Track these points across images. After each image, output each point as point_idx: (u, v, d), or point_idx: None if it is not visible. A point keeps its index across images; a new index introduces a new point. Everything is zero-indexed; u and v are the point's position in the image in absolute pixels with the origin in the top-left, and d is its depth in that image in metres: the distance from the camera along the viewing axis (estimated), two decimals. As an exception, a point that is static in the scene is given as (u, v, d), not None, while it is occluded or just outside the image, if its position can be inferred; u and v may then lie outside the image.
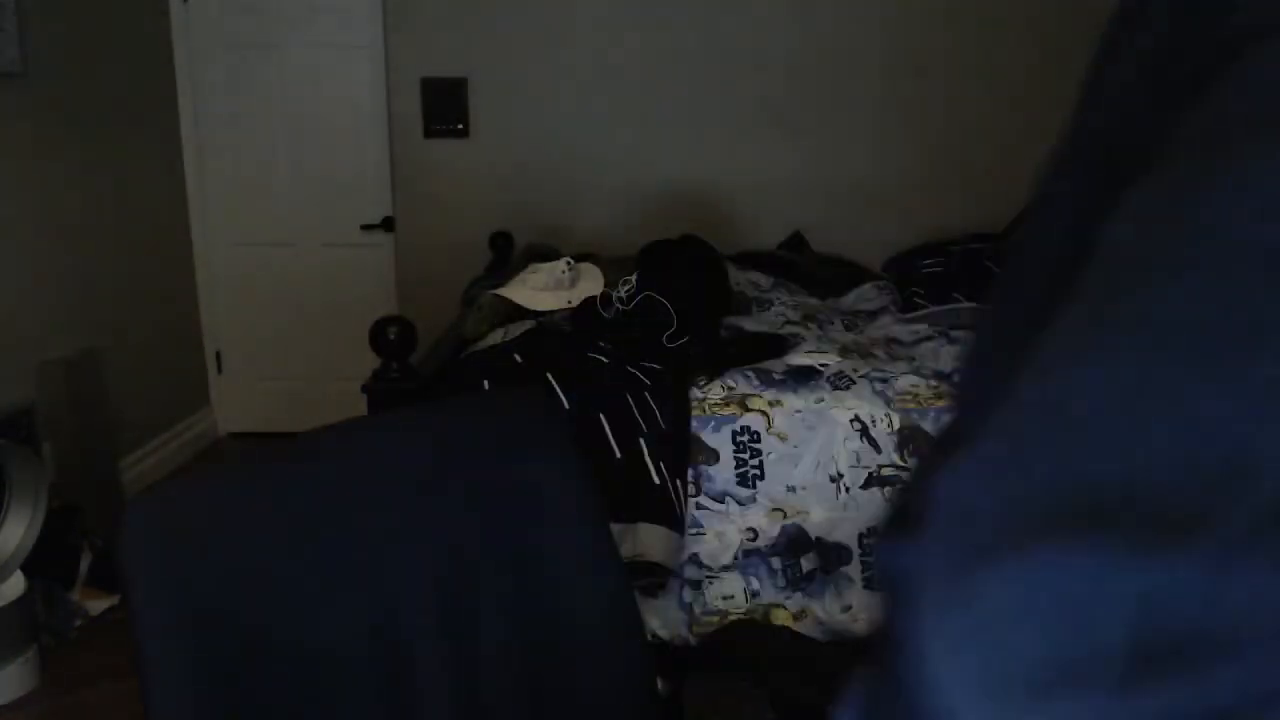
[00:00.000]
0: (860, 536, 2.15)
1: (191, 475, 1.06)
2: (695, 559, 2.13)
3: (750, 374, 2.25)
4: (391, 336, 2.09)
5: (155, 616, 0.86)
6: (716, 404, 2.18)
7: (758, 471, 2.14)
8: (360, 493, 1.02)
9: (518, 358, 2.22)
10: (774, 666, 1.13)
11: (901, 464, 2.16)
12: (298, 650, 0.92)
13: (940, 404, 2.21)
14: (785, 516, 2.14)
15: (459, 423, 1.13)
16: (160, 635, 0.85)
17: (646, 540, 2.02)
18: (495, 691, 1.02)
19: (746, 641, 1.25)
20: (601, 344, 2.29)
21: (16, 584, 2.35)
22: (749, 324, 2.72)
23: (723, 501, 2.14)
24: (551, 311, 2.64)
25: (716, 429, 2.15)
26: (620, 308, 2.50)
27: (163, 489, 0.99)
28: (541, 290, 2.73)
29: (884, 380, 2.26)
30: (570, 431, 1.16)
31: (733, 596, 2.15)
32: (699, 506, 2.14)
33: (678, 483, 2.07)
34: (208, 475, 1.06)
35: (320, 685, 0.93)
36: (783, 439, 2.15)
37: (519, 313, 2.65)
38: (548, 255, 3.21)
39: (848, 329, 2.86)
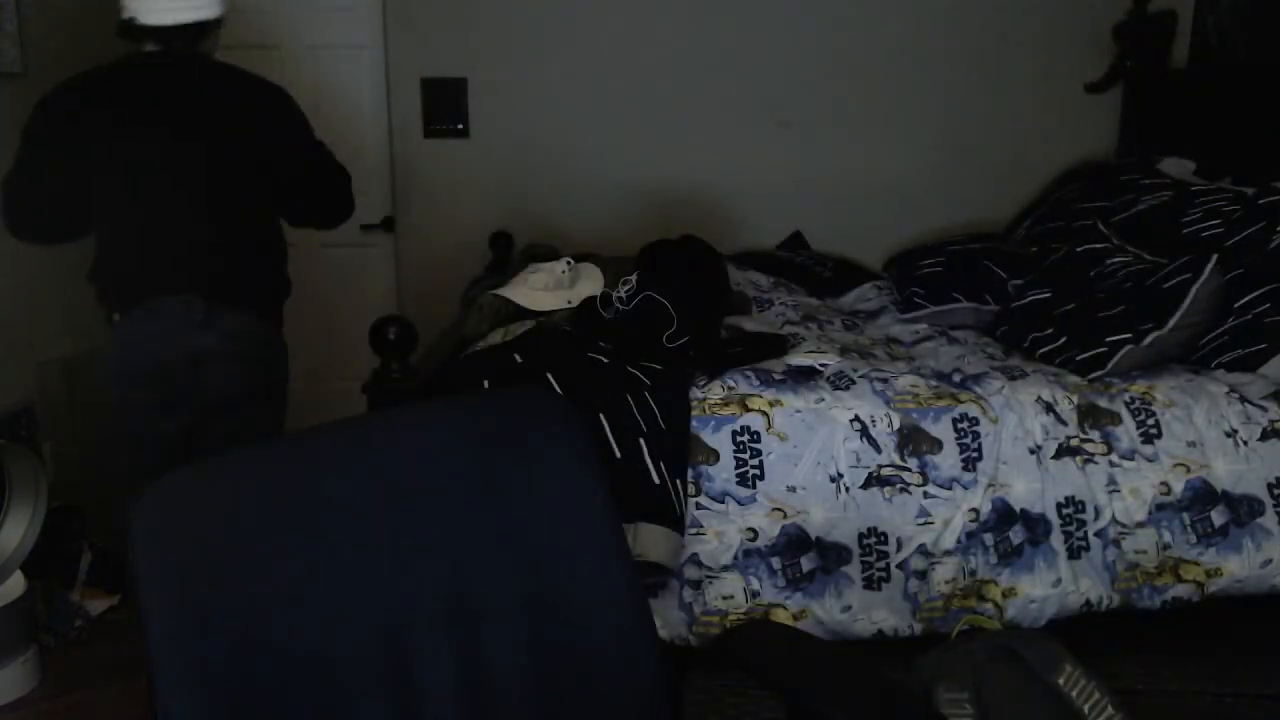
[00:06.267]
0: (860, 536, 2.15)
1: (197, 473, 1.06)
2: (695, 559, 2.13)
3: (750, 374, 2.25)
4: (391, 336, 2.09)
5: (163, 617, 0.86)
6: (716, 404, 2.18)
7: (757, 471, 2.14)
8: (367, 493, 1.02)
9: (518, 358, 2.22)
10: (784, 668, 1.13)
11: (901, 464, 2.16)
12: (304, 651, 0.92)
13: (940, 404, 2.21)
14: (785, 516, 2.14)
15: (466, 421, 1.12)
16: (168, 636, 0.85)
17: (647, 540, 2.02)
18: (503, 694, 1.02)
19: (754, 643, 1.24)
20: (601, 344, 2.29)
21: (16, 584, 2.35)
22: (749, 324, 2.72)
23: (723, 501, 2.14)
24: (551, 311, 2.64)
25: (716, 429, 2.15)
26: (620, 308, 2.50)
27: (169, 487, 0.99)
28: (541, 290, 2.73)
29: (884, 380, 2.26)
30: (581, 430, 1.15)
31: (732, 596, 2.15)
32: (699, 506, 2.14)
33: (678, 483, 2.08)
34: (214, 474, 1.05)
35: (327, 687, 0.93)
36: (782, 439, 2.15)
37: (519, 313, 2.65)
38: (548, 255, 3.21)
39: (848, 329, 2.87)
